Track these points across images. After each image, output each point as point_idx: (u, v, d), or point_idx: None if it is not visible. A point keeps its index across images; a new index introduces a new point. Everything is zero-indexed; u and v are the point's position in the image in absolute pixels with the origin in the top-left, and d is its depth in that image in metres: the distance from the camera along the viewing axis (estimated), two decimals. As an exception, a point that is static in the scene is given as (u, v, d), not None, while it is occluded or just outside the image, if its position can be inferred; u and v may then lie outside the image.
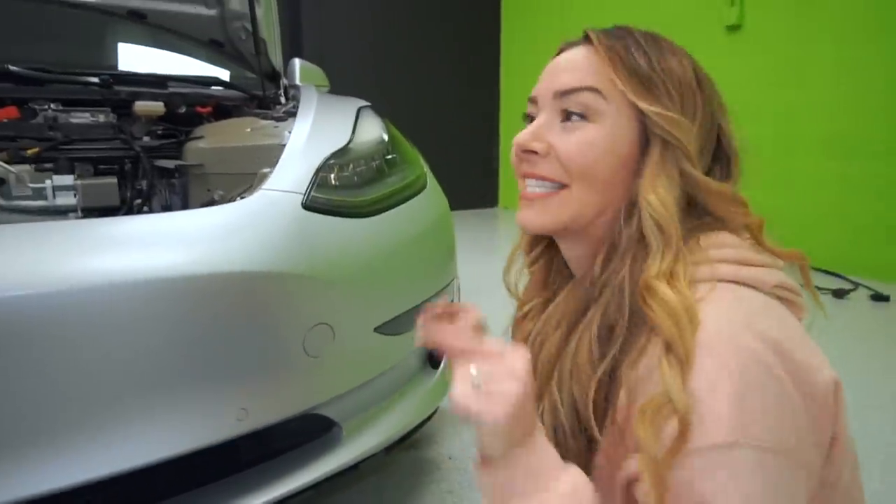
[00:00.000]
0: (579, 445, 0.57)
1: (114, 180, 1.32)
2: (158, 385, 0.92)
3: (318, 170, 1.21)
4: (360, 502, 1.50)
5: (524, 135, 0.59)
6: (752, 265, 0.53)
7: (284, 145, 1.28)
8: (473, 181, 6.47)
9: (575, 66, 0.58)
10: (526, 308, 0.70)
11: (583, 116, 0.56)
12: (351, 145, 1.35)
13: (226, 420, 0.98)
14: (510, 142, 0.61)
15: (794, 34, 3.70)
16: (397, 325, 1.26)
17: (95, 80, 1.57)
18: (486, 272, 4.63)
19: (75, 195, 1.26)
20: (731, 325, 0.48)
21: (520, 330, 0.70)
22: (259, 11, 1.87)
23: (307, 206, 1.12)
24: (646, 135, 0.56)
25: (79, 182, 1.26)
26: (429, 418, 1.50)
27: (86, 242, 0.94)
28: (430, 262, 1.44)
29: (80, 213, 1.26)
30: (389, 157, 1.44)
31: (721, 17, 4.07)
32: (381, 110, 1.63)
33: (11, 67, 1.44)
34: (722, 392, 0.45)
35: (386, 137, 1.49)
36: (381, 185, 1.35)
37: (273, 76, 1.95)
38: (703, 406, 0.45)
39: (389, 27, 5.87)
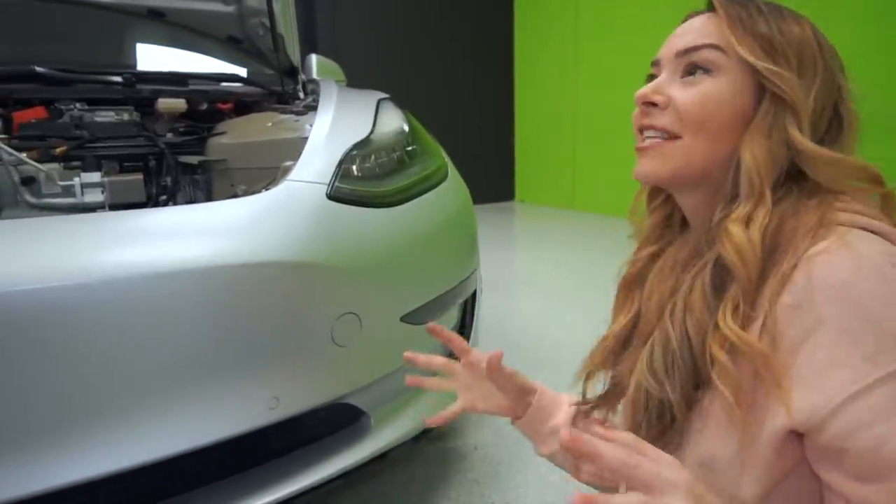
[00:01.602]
0: (686, 375, 0.57)
1: (140, 177, 1.34)
2: (192, 374, 0.93)
3: (341, 161, 1.22)
4: (388, 492, 1.51)
5: (646, 88, 0.62)
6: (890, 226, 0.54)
7: (306, 138, 1.28)
8: (489, 175, 6.47)
9: (697, 28, 0.61)
10: (636, 257, 0.73)
11: (704, 70, 0.59)
12: (372, 136, 1.35)
13: (258, 408, 0.99)
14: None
15: (812, 19, 3.64)
16: (423, 315, 1.26)
17: (118, 79, 1.59)
18: (504, 266, 4.63)
19: (103, 192, 1.28)
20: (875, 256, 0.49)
21: (627, 278, 0.73)
22: (277, 7, 1.88)
23: (332, 197, 1.12)
24: (761, 93, 0.58)
25: (106, 179, 1.28)
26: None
27: (115, 235, 0.95)
28: (454, 252, 1.45)
29: (107, 210, 1.27)
30: (410, 148, 1.45)
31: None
32: (398, 104, 1.63)
33: (38, 69, 1.46)
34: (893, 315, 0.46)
35: (406, 128, 1.49)
36: (403, 175, 1.35)
37: (291, 72, 1.96)
38: (885, 327, 0.46)
39: (403, 23, 5.87)
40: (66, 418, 0.86)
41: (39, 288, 0.82)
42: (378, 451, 1.21)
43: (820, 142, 0.57)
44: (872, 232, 0.51)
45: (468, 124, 6.17)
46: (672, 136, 0.60)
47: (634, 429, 0.62)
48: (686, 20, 0.65)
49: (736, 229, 0.54)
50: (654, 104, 0.61)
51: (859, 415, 0.46)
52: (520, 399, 0.79)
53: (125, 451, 0.90)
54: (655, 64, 0.65)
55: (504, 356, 0.74)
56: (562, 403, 0.80)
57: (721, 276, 0.56)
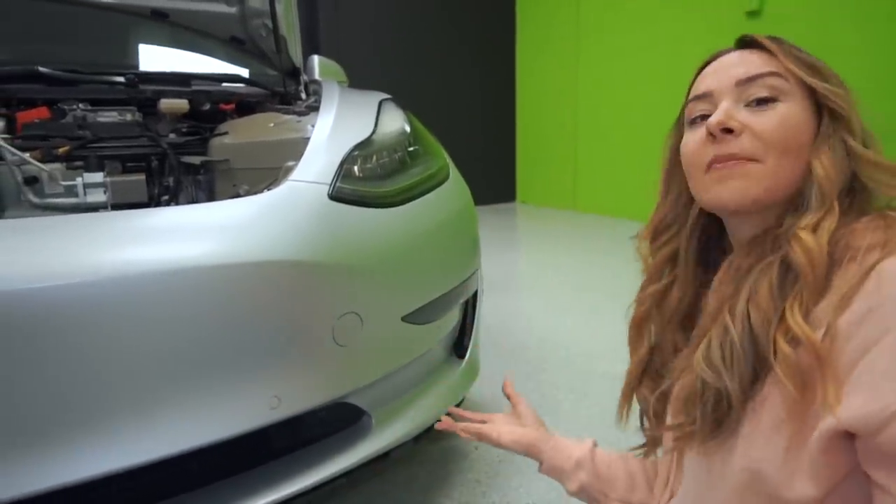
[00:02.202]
0: (746, 363, 0.58)
1: (142, 177, 1.34)
2: (193, 373, 0.94)
3: (343, 161, 1.22)
4: (389, 491, 1.52)
5: (718, 114, 0.62)
6: None
7: (308, 139, 1.29)
8: (490, 176, 6.47)
9: (745, 60, 0.65)
10: (641, 296, 0.76)
11: (772, 98, 0.62)
12: (374, 137, 1.36)
13: (260, 408, 0.99)
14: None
15: (815, 19, 3.65)
16: (424, 315, 1.26)
17: (121, 79, 1.59)
18: (505, 267, 4.63)
19: (105, 192, 1.28)
20: None
21: (637, 318, 0.77)
22: (279, 8, 1.89)
23: (333, 197, 1.13)
24: (818, 111, 0.62)
25: (108, 179, 1.29)
26: (456, 407, 1.51)
27: (117, 234, 0.95)
28: (455, 252, 1.45)
29: (110, 210, 1.28)
30: (412, 148, 1.45)
31: (741, 3, 4.04)
32: (400, 104, 1.63)
33: (41, 69, 1.47)
34: None
35: (408, 129, 1.49)
36: (405, 175, 1.35)
37: (293, 73, 1.97)
38: None
39: (404, 25, 5.88)
40: (67, 417, 0.86)
41: (44, 287, 0.82)
42: (379, 451, 1.21)
43: None
44: None
45: (469, 125, 6.18)
46: (751, 160, 0.62)
47: (687, 424, 0.63)
48: (717, 58, 0.68)
49: (806, 235, 0.56)
50: (730, 130, 0.62)
51: None
52: (538, 425, 0.91)
53: (126, 450, 0.90)
54: (704, 97, 0.67)
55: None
56: (579, 443, 0.87)
57: (785, 279, 0.58)
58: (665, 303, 0.74)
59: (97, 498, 0.97)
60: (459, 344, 1.53)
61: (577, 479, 0.84)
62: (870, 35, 3.34)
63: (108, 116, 1.51)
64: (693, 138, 0.66)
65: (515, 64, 6.68)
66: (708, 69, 0.68)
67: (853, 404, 0.48)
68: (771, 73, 0.62)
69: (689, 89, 0.71)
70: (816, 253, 0.55)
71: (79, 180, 1.27)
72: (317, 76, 2.14)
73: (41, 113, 1.44)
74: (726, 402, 0.58)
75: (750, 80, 0.63)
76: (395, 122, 1.49)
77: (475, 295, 1.56)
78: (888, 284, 0.49)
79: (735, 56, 0.66)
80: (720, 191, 0.63)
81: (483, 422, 0.92)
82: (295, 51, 2.03)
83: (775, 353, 0.54)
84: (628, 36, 5.08)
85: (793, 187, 0.61)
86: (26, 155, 1.22)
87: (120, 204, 1.28)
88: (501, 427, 0.90)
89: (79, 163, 1.33)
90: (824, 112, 0.62)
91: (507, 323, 2.71)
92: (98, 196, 1.28)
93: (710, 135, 0.63)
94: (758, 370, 0.57)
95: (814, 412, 0.52)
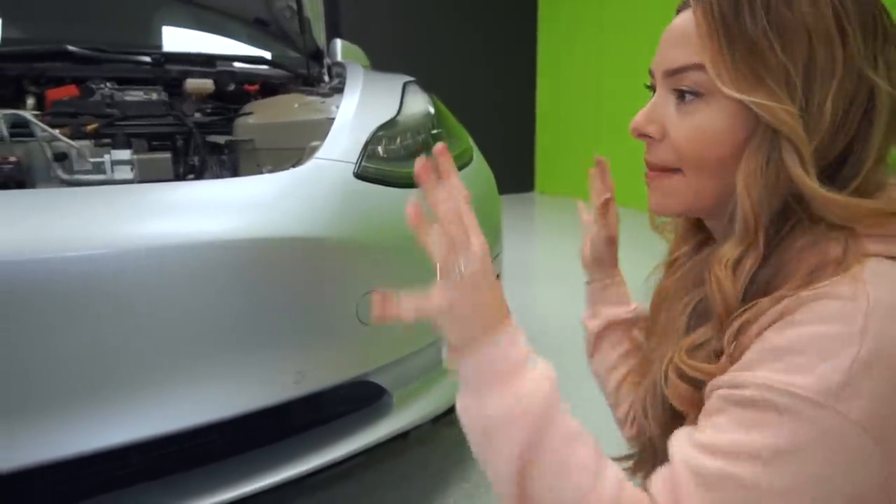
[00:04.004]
0: (662, 407, 0.56)
1: (168, 155, 1.35)
2: (219, 346, 0.95)
3: (368, 141, 1.22)
4: (407, 472, 1.52)
5: (639, 117, 0.56)
6: None
7: (332, 119, 1.29)
8: (510, 166, 6.43)
9: (681, 38, 0.53)
10: (672, 258, 0.69)
11: (695, 94, 0.52)
12: (399, 118, 1.35)
13: (284, 382, 1.00)
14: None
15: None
16: (446, 296, 1.26)
17: (148, 59, 1.60)
18: (525, 255, 4.60)
19: (132, 169, 1.29)
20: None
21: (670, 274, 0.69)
22: (303, -10, 1.89)
23: (358, 175, 1.13)
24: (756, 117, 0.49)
25: (135, 157, 1.30)
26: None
27: (145, 207, 0.96)
28: (477, 235, 1.44)
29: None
30: (436, 130, 1.45)
31: None
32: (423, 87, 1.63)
33: (70, 48, 1.49)
34: (847, 357, 0.41)
35: (432, 111, 1.49)
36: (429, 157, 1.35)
37: (317, 55, 1.97)
38: (818, 359, 0.42)
39: (425, 12, 5.85)
40: (86, 387, 0.87)
41: (76, 255, 0.83)
42: (399, 431, 1.22)
43: (841, 160, 0.48)
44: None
45: (489, 114, 6.14)
46: (674, 170, 0.55)
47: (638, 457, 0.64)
48: (680, 10, 0.56)
49: (721, 273, 0.50)
50: (649, 136, 0.55)
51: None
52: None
53: (153, 420, 0.91)
54: (650, 73, 0.58)
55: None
56: (625, 302, 0.84)
57: (704, 313, 0.54)
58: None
59: (121, 466, 0.99)
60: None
61: (594, 323, 0.86)
62: None
63: (135, 95, 1.52)
64: None
65: (536, 53, 6.62)
66: (663, 35, 0.57)
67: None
68: (692, 67, 0.51)
69: None
70: (729, 294, 0.49)
71: (106, 157, 1.28)
72: (339, 59, 2.14)
73: (70, 91, 1.46)
74: (651, 444, 0.57)
75: (674, 73, 0.53)
76: (420, 104, 1.48)
77: (498, 278, 1.56)
78: (816, 303, 0.44)
79: (678, 23, 0.54)
80: (650, 197, 0.58)
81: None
82: (319, 33, 2.03)
83: (666, 383, 0.53)
84: (652, 26, 5.01)
85: (725, 199, 0.52)
86: (56, 131, 1.23)
87: (146, 181, 1.30)
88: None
89: (107, 140, 1.34)
90: (760, 122, 0.49)
91: (527, 309, 2.70)
92: (125, 173, 1.29)
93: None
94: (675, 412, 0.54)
95: None
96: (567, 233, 4.84)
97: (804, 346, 0.43)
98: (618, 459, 0.66)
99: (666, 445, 0.49)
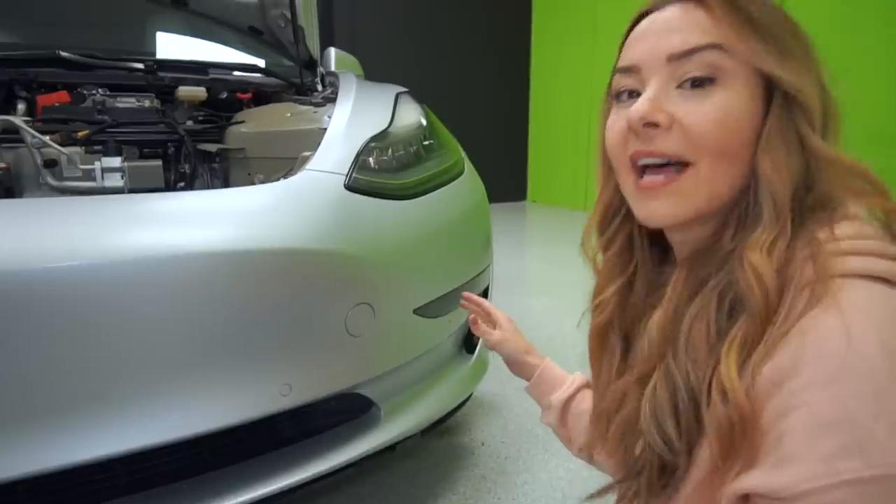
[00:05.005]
0: (692, 426, 0.51)
1: (159, 163, 1.35)
2: (206, 358, 0.94)
3: (360, 153, 1.22)
4: (395, 485, 1.52)
5: (644, 104, 0.51)
6: (890, 258, 0.46)
7: (324, 129, 1.29)
8: (502, 175, 6.45)
9: (681, 23, 0.51)
10: (602, 298, 0.65)
11: (710, 79, 0.50)
12: (390, 129, 1.36)
13: (271, 394, 1.00)
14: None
15: (838, 20, 3.59)
16: (436, 308, 1.26)
17: (140, 66, 1.60)
18: (516, 265, 4.62)
19: (122, 177, 1.29)
20: (864, 335, 0.41)
21: (600, 326, 0.66)
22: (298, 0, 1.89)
23: (349, 187, 1.13)
24: (767, 89, 0.50)
25: (126, 164, 1.29)
26: (463, 403, 1.51)
27: (135, 217, 0.96)
28: (468, 247, 1.45)
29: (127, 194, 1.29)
30: (427, 142, 1.45)
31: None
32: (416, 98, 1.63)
33: (62, 53, 1.48)
34: (872, 416, 0.39)
35: (424, 123, 1.49)
36: (420, 168, 1.35)
37: (310, 64, 1.97)
38: (858, 430, 0.40)
39: (419, 21, 5.87)
40: (78, 398, 0.86)
41: (62, 266, 0.83)
42: (388, 443, 1.21)
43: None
44: (875, 278, 0.44)
45: (482, 123, 6.16)
46: (681, 164, 0.51)
47: (628, 486, 0.57)
48: (651, 12, 0.54)
49: (757, 257, 0.47)
50: (656, 125, 0.51)
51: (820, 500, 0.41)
52: (517, 335, 0.93)
53: (139, 432, 0.90)
54: (630, 71, 0.54)
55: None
56: (566, 381, 0.85)
57: (729, 309, 0.50)
58: (630, 302, 0.63)
59: (110, 479, 0.98)
60: (469, 339, 1.53)
61: (547, 418, 0.86)
62: (891, 35, 3.29)
63: (127, 102, 1.51)
64: (618, 122, 0.55)
65: (530, 63, 6.66)
66: (638, 30, 0.55)
67: (763, 474, 0.43)
68: (708, 47, 0.49)
69: (619, 53, 0.58)
70: (769, 279, 0.46)
71: (97, 164, 1.28)
72: (333, 68, 2.15)
73: (61, 97, 1.45)
74: (671, 468, 0.52)
75: (684, 55, 0.50)
76: (412, 115, 1.49)
77: (487, 290, 1.56)
78: (810, 348, 0.42)
79: (671, 14, 0.52)
80: (646, 209, 0.54)
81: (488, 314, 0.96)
82: (312, 42, 2.03)
83: (708, 405, 0.47)
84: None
85: (736, 191, 0.51)
86: (46, 138, 1.23)
87: (137, 189, 1.29)
88: (504, 333, 0.92)
89: (97, 147, 1.33)
90: (776, 93, 0.49)
91: (517, 320, 2.70)
92: (115, 181, 1.29)
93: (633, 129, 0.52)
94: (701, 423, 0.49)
95: (729, 471, 0.46)
96: (558, 242, 4.86)
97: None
98: (602, 491, 0.62)
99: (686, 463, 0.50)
